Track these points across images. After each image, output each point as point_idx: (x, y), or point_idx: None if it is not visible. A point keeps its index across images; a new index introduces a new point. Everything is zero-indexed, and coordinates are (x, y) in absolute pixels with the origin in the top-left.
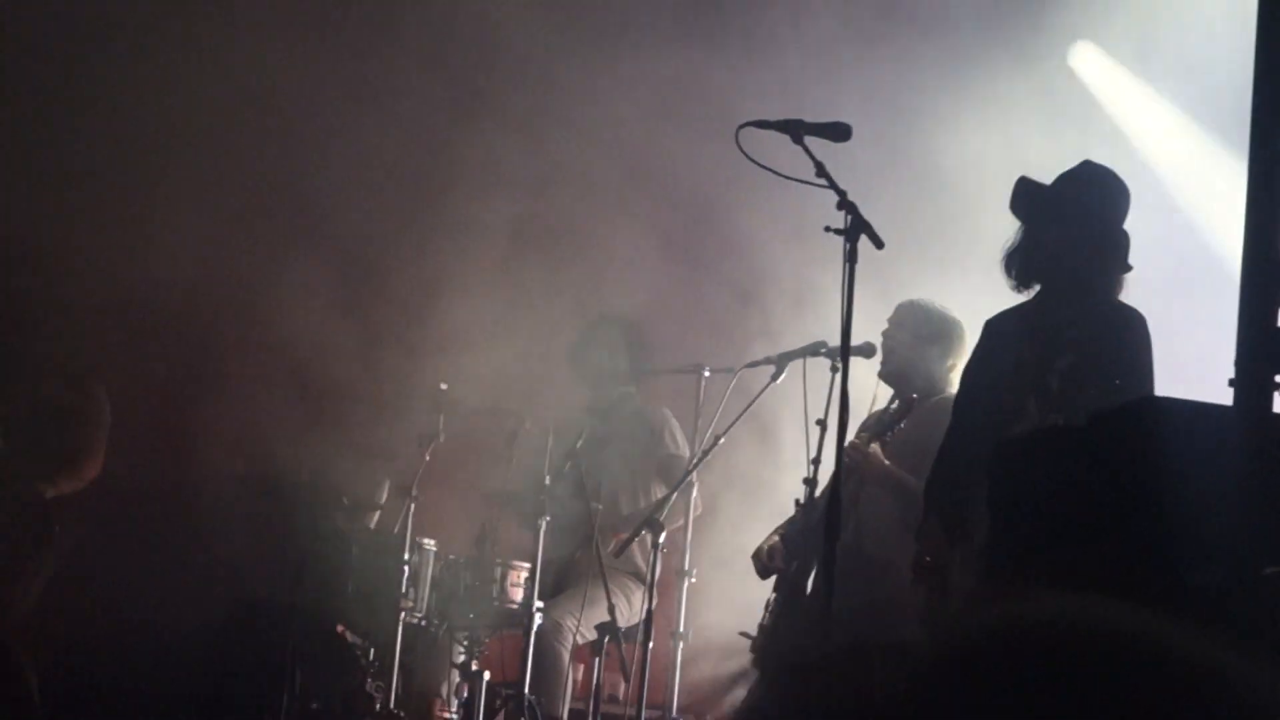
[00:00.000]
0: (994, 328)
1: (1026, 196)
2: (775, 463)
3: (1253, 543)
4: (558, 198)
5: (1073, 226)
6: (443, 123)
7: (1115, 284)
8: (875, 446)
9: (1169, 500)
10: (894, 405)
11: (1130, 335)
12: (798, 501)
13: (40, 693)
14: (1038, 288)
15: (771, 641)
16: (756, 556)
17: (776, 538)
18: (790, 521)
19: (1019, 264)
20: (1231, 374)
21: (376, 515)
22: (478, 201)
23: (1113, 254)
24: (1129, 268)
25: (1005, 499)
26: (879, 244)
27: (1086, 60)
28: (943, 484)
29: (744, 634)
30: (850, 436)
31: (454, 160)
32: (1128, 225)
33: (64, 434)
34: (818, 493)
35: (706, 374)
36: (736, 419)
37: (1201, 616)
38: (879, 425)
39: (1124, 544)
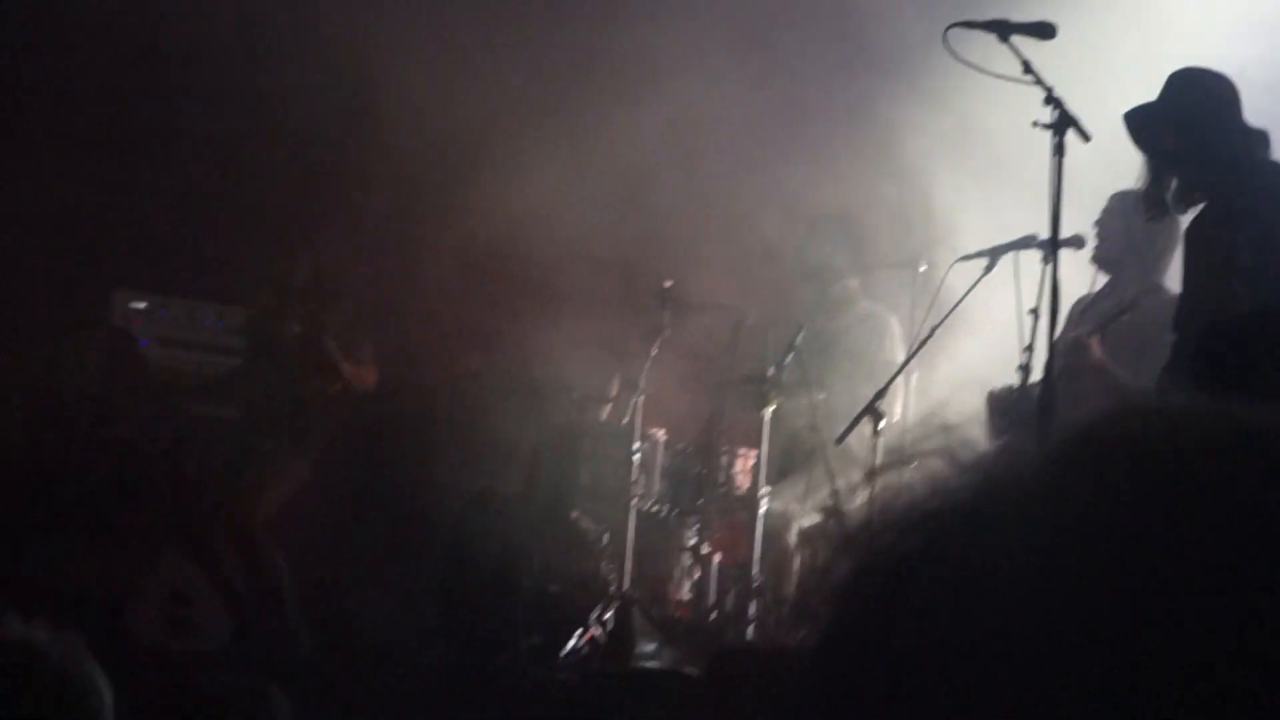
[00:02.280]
0: (1189, 233)
1: (1139, 125)
2: (988, 355)
3: None
4: (776, 90)
5: (1200, 125)
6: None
7: (1260, 161)
8: (1095, 339)
9: None
10: (1105, 291)
11: None
12: (1011, 388)
13: (291, 585)
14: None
15: None
16: (993, 398)
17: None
18: (993, 398)
19: (1155, 192)
20: None
21: (607, 408)
22: (704, 93)
23: (1241, 137)
24: (1267, 137)
25: (1213, 386)
26: (1086, 137)
27: None
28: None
29: None
30: (1060, 325)
31: (674, 55)
32: None
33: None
34: (1030, 381)
35: (922, 269)
36: (950, 312)
37: None
38: (1101, 316)
39: None
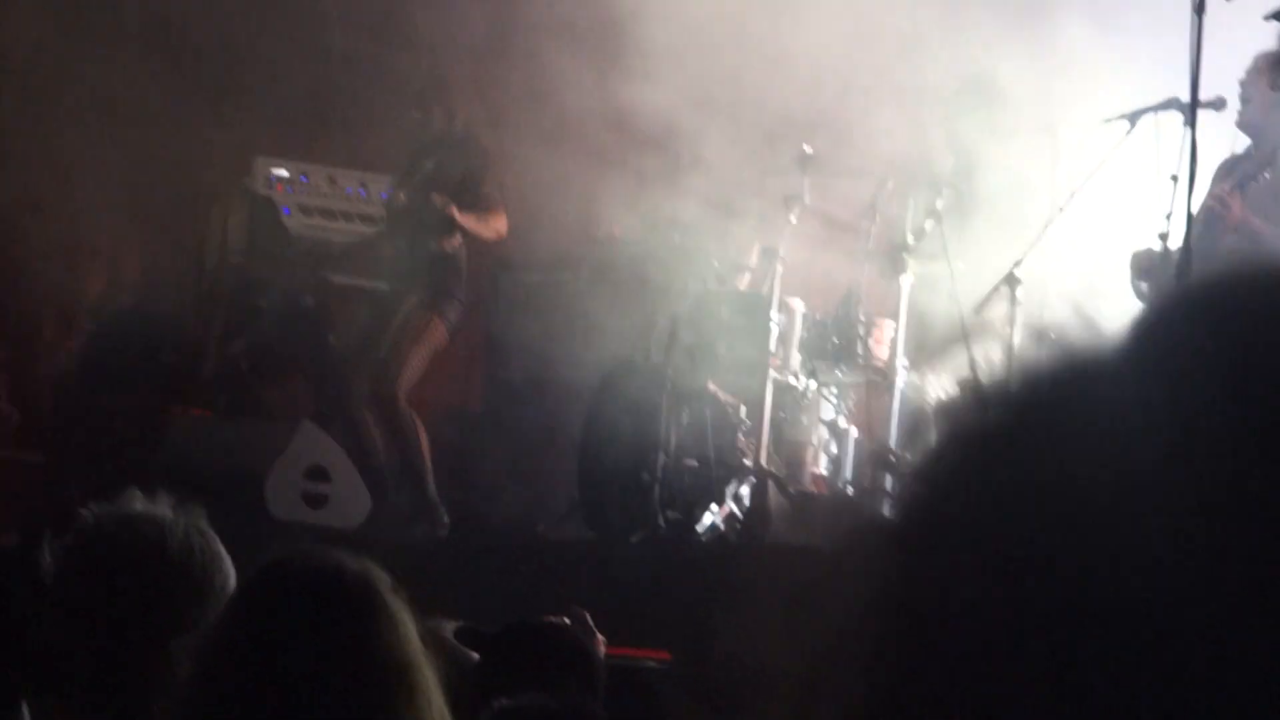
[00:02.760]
0: None
1: None
2: (1128, 217)
3: None
4: None
5: None
6: None
7: None
8: (1236, 196)
9: None
10: (1248, 153)
11: None
12: (1151, 251)
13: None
14: None
15: None
16: (1137, 259)
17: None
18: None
19: None
20: None
21: (746, 277)
22: None
23: None
24: None
25: None
26: None
27: None
28: None
29: None
30: (1200, 190)
31: None
32: None
33: (459, 193)
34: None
35: (1062, 132)
36: (1090, 176)
37: None
38: (1241, 174)
39: None
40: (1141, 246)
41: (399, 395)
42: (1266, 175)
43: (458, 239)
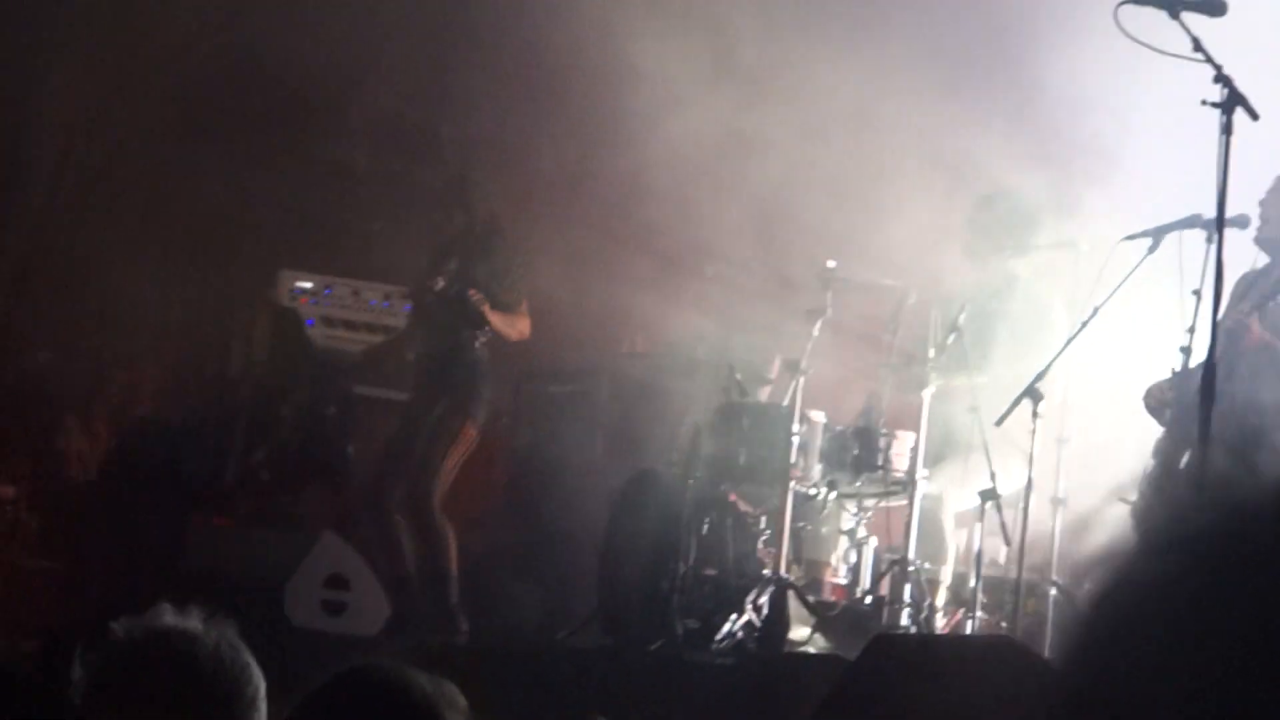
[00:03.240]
0: None
1: None
2: (1150, 334)
3: None
4: (941, 69)
5: None
6: None
7: None
8: (1255, 317)
9: None
10: (1267, 270)
11: None
12: (1174, 370)
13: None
14: None
15: (1150, 508)
16: (1150, 394)
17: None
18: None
19: None
20: None
21: (768, 389)
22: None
23: None
24: None
25: None
26: (1254, 116)
27: None
28: None
29: (1123, 499)
30: (1224, 304)
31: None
32: None
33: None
34: (1193, 362)
35: (1085, 248)
36: (1113, 292)
37: None
38: (1259, 295)
39: None
40: (1154, 380)
41: (434, 500)
42: None
43: (484, 337)
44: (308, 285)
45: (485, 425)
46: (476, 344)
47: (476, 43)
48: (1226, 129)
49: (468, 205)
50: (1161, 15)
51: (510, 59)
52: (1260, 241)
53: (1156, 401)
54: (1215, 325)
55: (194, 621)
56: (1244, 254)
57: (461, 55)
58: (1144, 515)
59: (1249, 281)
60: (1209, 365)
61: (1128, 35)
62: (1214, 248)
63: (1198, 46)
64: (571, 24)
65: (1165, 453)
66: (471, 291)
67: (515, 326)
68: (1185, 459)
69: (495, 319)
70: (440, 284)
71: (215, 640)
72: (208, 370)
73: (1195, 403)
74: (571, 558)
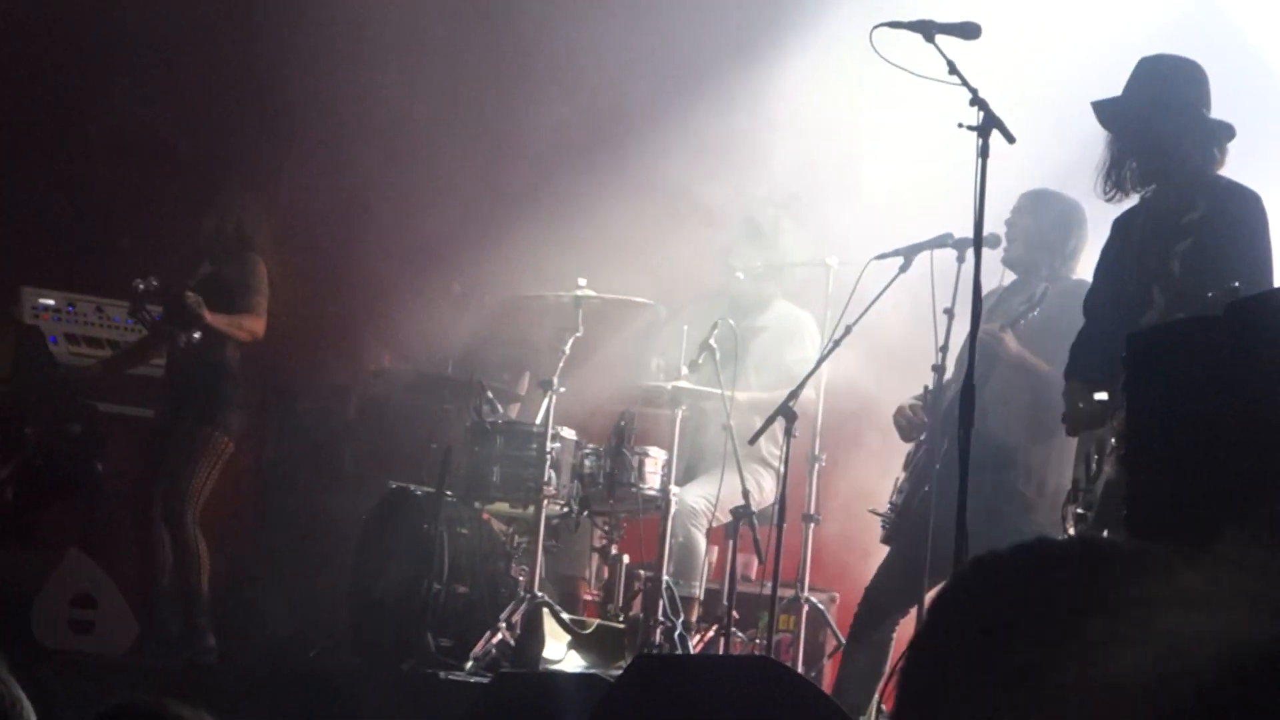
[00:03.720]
0: (1120, 223)
1: (1106, 115)
2: (903, 352)
3: None
4: (689, 88)
5: (1156, 121)
6: None
7: (1216, 159)
8: (1009, 333)
9: None
10: (1015, 287)
11: (1246, 214)
12: (926, 388)
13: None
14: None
15: (900, 519)
16: (900, 414)
17: (917, 401)
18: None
19: (1116, 176)
20: None
21: (518, 407)
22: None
23: (1205, 132)
24: (1231, 131)
25: (1142, 391)
26: (1010, 139)
27: None
28: (1080, 364)
29: (874, 511)
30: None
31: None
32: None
33: (229, 299)
34: (945, 379)
35: (835, 265)
36: (865, 310)
37: None
38: (1011, 313)
39: (1265, 443)
40: (903, 401)
41: (188, 515)
42: (1034, 314)
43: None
44: (50, 302)
45: (242, 425)
46: (224, 351)
47: (217, 58)
48: (983, 152)
49: (219, 212)
50: (918, 38)
51: (253, 75)
52: (1008, 261)
53: (906, 420)
54: (974, 346)
55: None
56: (993, 273)
57: (201, 69)
58: (893, 528)
59: (993, 299)
60: (968, 385)
61: (883, 58)
62: (965, 267)
63: (953, 70)
64: (302, 42)
65: (916, 465)
66: (187, 294)
67: (243, 327)
68: (918, 455)
69: (217, 320)
70: (142, 285)
71: None
72: None
73: (949, 417)
74: (322, 576)
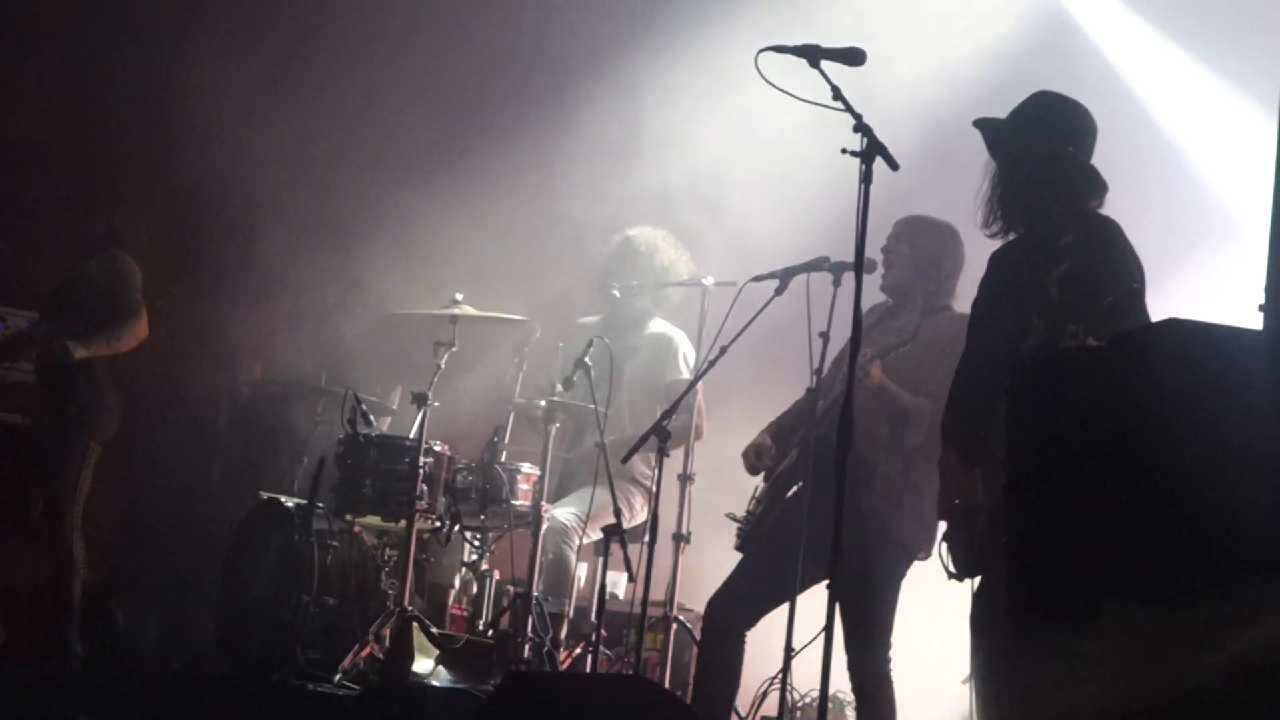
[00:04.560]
0: (997, 256)
1: (990, 135)
2: (777, 374)
3: None
4: (565, 109)
5: (1042, 156)
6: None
7: (1090, 202)
8: (877, 364)
9: (1192, 423)
10: (891, 310)
11: (1113, 238)
12: (802, 399)
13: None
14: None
15: (755, 528)
16: (746, 455)
17: (767, 437)
18: (781, 418)
19: (998, 205)
20: (1259, 300)
21: (389, 420)
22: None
23: (1081, 176)
24: (1105, 187)
25: (1024, 419)
26: (894, 166)
27: None
28: (959, 414)
29: (730, 515)
30: (844, 344)
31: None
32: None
33: (98, 302)
34: (820, 403)
35: (711, 285)
36: (740, 332)
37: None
38: (884, 344)
39: (1144, 473)
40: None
41: (68, 522)
42: (905, 349)
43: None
44: None
45: (112, 425)
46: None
47: (88, 61)
48: (866, 178)
49: (88, 208)
50: (802, 62)
51: (131, 77)
52: (885, 288)
53: (752, 460)
54: (853, 371)
55: None
56: (870, 297)
57: (79, 70)
58: (746, 537)
59: (878, 315)
60: (846, 411)
61: (768, 81)
62: (841, 290)
63: (837, 95)
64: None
65: (778, 476)
66: (53, 344)
67: (121, 337)
68: (794, 490)
69: (94, 349)
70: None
71: None
72: None
73: (819, 439)
74: (190, 586)
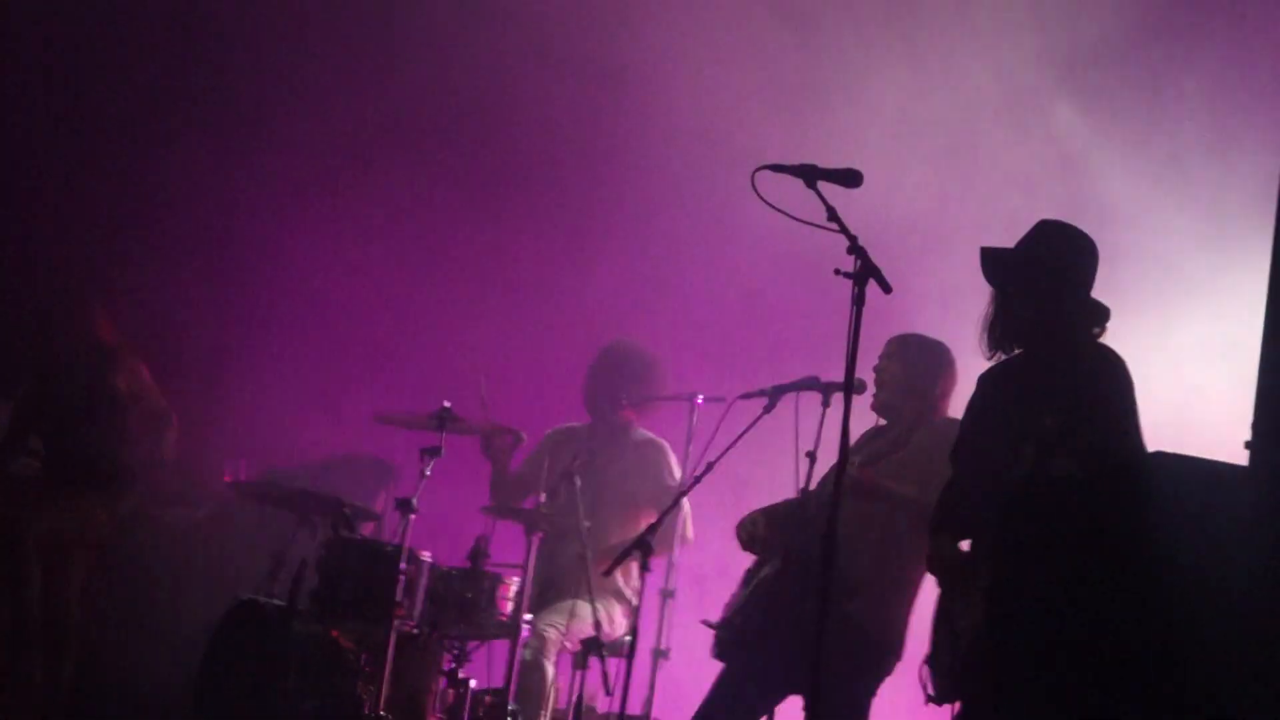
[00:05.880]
0: (987, 379)
1: (993, 263)
2: (764, 492)
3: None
4: (563, 220)
5: (1043, 285)
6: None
7: (1093, 334)
8: (866, 470)
9: (1178, 556)
10: (882, 430)
11: (1114, 373)
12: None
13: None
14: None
15: (738, 636)
16: (742, 528)
17: (762, 520)
18: (775, 506)
19: (999, 331)
20: (1246, 437)
21: (373, 525)
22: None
23: (1084, 308)
24: (1107, 314)
25: (1013, 546)
26: (887, 289)
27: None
28: (948, 517)
29: (706, 622)
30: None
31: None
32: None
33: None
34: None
35: (700, 401)
36: (729, 448)
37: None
38: (873, 451)
39: (1128, 603)
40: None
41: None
42: (897, 455)
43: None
44: None
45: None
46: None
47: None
48: (859, 299)
49: (68, 321)
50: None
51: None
52: (876, 407)
53: (747, 534)
54: (839, 488)
55: None
56: (859, 418)
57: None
58: (727, 645)
59: (867, 438)
60: (830, 529)
61: (764, 201)
62: (829, 410)
63: (833, 216)
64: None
65: (760, 584)
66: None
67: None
68: (763, 573)
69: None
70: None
71: None
72: None
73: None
74: (165, 688)
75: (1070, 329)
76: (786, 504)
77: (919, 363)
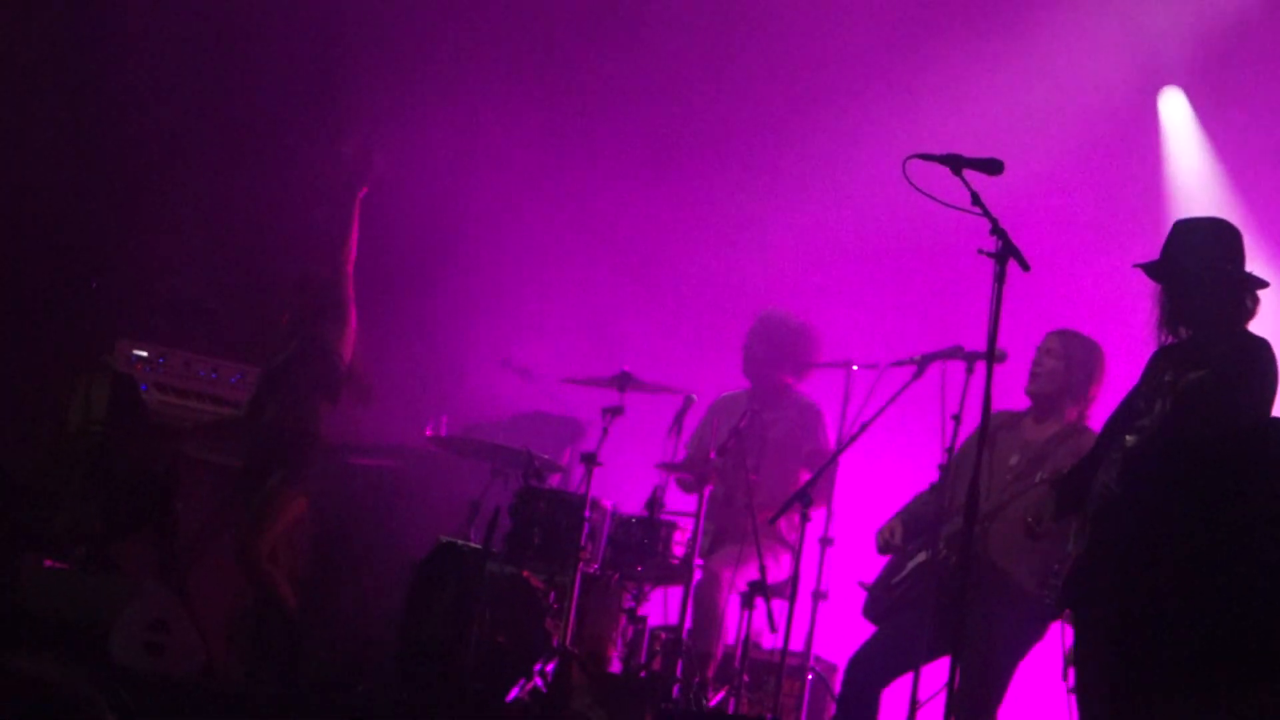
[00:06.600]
0: (1154, 355)
1: (1150, 272)
2: (911, 451)
3: None
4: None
5: (1190, 284)
6: None
7: (1248, 311)
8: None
9: None
10: (1034, 416)
11: (1258, 360)
12: (937, 478)
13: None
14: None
15: (893, 604)
16: (881, 534)
17: (899, 524)
18: (910, 506)
19: (1166, 319)
20: None
21: (559, 476)
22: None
23: (1236, 289)
24: (1260, 284)
25: (1137, 503)
26: (1025, 267)
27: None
28: (1076, 474)
29: (862, 584)
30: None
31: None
32: None
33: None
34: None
35: (855, 369)
36: (880, 410)
37: None
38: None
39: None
40: (886, 524)
41: (262, 557)
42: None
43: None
44: (144, 354)
45: (315, 485)
46: (315, 422)
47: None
48: (1000, 277)
49: (289, 302)
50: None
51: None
52: (1031, 394)
53: (884, 541)
54: (980, 451)
55: (49, 667)
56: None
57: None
58: (880, 606)
59: (1007, 424)
60: (973, 488)
61: (914, 186)
62: (973, 378)
63: (976, 201)
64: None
65: (912, 569)
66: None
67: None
68: (917, 560)
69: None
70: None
71: (72, 686)
72: (52, 426)
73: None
74: (372, 618)
75: (1225, 318)
76: (921, 496)
77: (1077, 364)
